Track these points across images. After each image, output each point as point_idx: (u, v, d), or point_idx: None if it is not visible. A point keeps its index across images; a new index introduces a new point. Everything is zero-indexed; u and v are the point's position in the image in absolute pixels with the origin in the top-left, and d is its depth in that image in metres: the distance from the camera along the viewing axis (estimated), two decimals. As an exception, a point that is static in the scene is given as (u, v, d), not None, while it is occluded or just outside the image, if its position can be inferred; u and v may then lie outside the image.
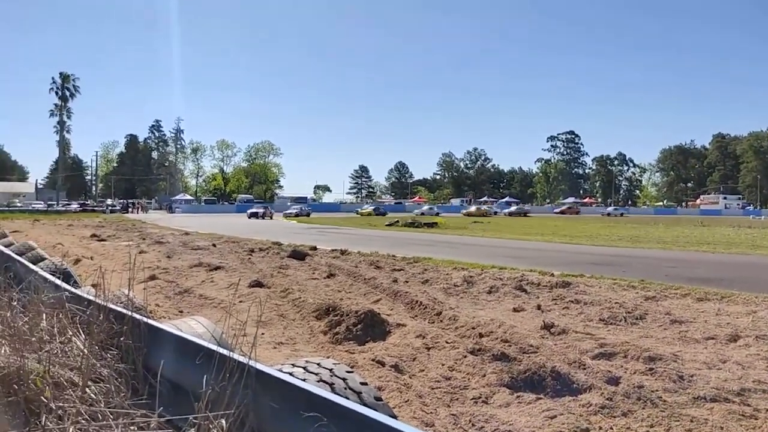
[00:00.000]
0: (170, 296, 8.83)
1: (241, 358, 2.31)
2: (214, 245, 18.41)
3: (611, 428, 3.97)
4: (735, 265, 14.71)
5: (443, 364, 5.38)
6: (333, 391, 2.39)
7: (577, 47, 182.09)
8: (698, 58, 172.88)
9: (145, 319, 3.10)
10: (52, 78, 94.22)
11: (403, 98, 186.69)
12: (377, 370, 5.08)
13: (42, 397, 2.47)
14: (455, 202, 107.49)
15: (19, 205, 78.11)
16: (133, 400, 2.58)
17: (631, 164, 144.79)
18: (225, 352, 2.39)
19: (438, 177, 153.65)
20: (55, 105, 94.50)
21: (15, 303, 3.71)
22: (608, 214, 77.75)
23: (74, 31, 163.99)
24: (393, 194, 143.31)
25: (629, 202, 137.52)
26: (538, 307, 8.13)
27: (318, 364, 2.66)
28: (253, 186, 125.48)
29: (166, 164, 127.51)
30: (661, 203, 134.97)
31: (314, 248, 17.17)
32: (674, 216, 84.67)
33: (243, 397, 2.21)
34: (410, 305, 8.20)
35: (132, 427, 2.33)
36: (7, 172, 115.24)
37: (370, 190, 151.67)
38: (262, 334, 6.24)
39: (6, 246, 8.64)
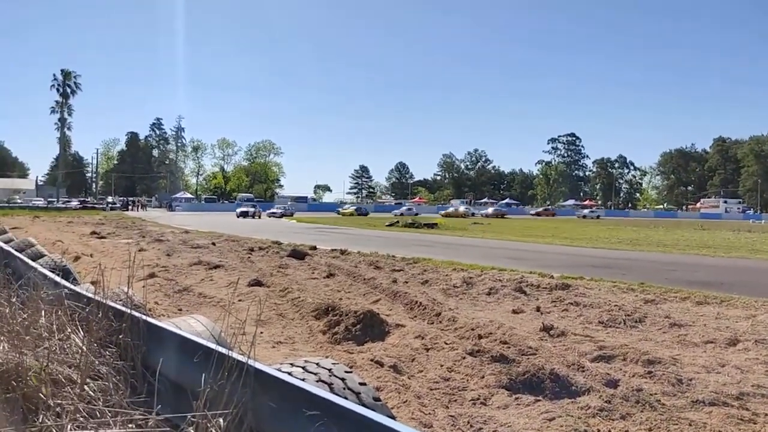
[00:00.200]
0: (169, 294, 8.83)
1: (240, 357, 2.30)
2: (213, 244, 18.40)
3: (610, 431, 3.97)
4: (735, 269, 14.70)
5: (442, 365, 5.38)
6: (332, 391, 2.38)
7: (578, 49, 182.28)
8: (700, 61, 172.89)
9: (144, 317, 3.09)
10: (54, 75, 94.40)
11: (403, 98, 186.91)
12: (376, 371, 5.07)
13: (40, 394, 2.46)
14: (455, 203, 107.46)
15: (19, 201, 78.12)
16: (131, 398, 2.57)
17: (632, 167, 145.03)
18: (224, 350, 2.39)
19: (438, 178, 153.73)
20: (56, 102, 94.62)
21: (14, 299, 3.71)
22: (584, 217, 77.28)
23: (76, 29, 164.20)
24: (393, 194, 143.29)
25: (629, 205, 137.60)
26: (538, 309, 8.13)
27: (317, 363, 2.65)
28: (253, 185, 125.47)
29: (167, 162, 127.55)
30: (661, 206, 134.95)
31: (314, 248, 17.16)
32: (674, 219, 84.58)
33: (241, 396, 2.21)
34: (409, 306, 8.20)
35: (130, 425, 2.33)
36: (7, 168, 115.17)
37: (371, 190, 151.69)
38: (261, 333, 6.24)
39: (6, 242, 8.64)
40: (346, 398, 2.23)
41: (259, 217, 54.10)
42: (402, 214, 63.62)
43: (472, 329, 6.53)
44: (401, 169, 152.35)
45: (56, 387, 2.58)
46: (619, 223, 55.20)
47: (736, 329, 6.99)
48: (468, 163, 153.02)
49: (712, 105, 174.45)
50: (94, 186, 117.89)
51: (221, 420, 2.15)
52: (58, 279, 4.31)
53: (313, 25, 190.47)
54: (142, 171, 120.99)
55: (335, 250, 16.73)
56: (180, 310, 7.69)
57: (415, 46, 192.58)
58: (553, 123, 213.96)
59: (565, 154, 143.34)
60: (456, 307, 8.22)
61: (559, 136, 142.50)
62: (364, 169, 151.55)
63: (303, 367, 2.60)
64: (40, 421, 2.30)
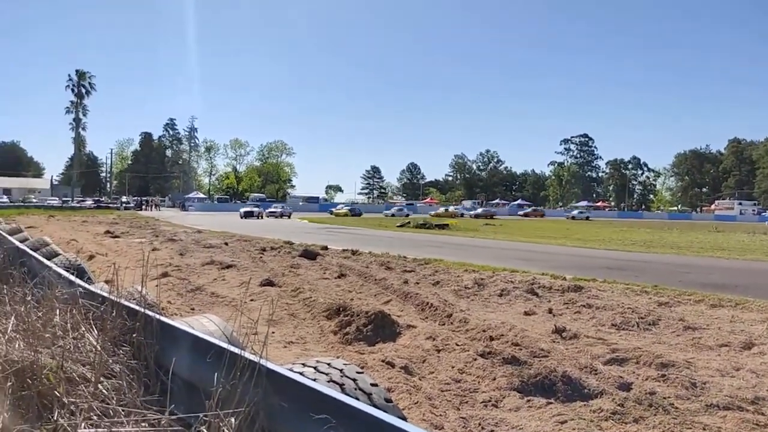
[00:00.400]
0: (182, 293, 8.88)
1: (252, 357, 2.31)
2: (226, 243, 18.49)
3: (622, 434, 3.94)
4: (750, 272, 14.54)
5: (453, 367, 5.37)
6: (343, 391, 2.39)
7: (592, 50, 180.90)
8: (716, 62, 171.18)
9: (157, 316, 3.11)
10: (69, 75, 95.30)
11: (416, 100, 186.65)
12: (387, 371, 5.07)
13: (55, 392, 2.49)
14: (467, 203, 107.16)
15: (34, 200, 78.80)
16: (144, 397, 2.59)
17: (646, 168, 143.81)
18: (236, 350, 2.40)
19: (450, 178, 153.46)
20: (71, 102, 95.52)
21: (29, 298, 3.75)
22: (573, 218, 75.97)
23: (90, 29, 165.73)
24: (405, 195, 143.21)
25: (643, 207, 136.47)
26: (550, 311, 8.09)
27: (328, 364, 2.66)
28: (265, 185, 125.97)
29: (180, 162, 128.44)
30: (675, 208, 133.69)
31: (325, 248, 17.19)
32: (688, 221, 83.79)
33: (253, 395, 2.22)
34: (421, 307, 8.19)
35: (143, 424, 2.34)
36: (23, 168, 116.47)
37: (382, 190, 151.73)
38: (273, 333, 6.26)
39: (21, 241, 8.73)
40: (357, 399, 2.23)
41: (261, 218, 53.24)
42: (393, 215, 64.27)
43: (484, 331, 6.51)
44: (413, 169, 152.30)
45: (71, 385, 2.60)
46: (633, 225, 54.80)
47: (751, 332, 6.91)
48: (480, 164, 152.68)
49: (727, 108, 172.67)
50: (108, 186, 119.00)
51: (233, 419, 2.16)
52: (72, 278, 4.35)
53: (327, 26, 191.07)
54: (156, 171, 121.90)
55: (346, 250, 16.74)
56: (192, 309, 7.74)
57: (429, 47, 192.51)
58: (566, 125, 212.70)
59: (578, 155, 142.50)
60: (467, 308, 8.20)
61: (572, 137, 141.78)
62: (375, 170, 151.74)
63: (315, 368, 2.60)
64: (55, 418, 2.32)
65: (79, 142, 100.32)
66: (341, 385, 2.47)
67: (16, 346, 2.81)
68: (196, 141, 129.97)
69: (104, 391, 2.59)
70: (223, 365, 2.34)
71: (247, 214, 53.33)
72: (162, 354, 2.98)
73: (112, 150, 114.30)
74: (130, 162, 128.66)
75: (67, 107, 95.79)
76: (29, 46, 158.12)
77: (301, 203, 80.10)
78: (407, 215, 63.15)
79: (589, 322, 7.56)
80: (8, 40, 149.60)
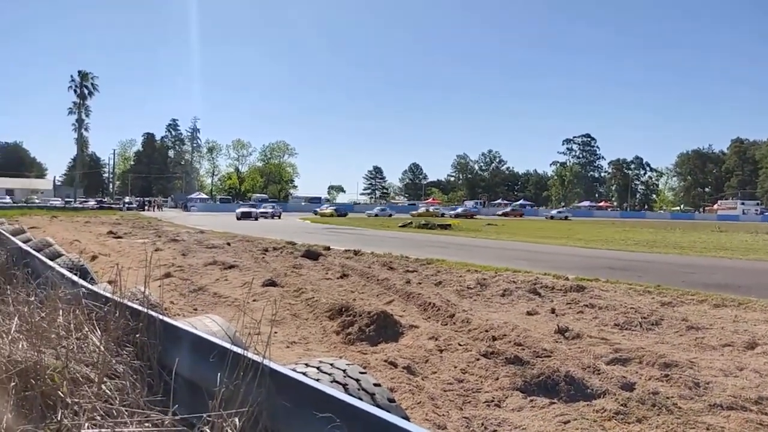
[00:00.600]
0: (185, 294, 8.89)
1: (255, 357, 2.31)
2: (228, 244, 18.51)
3: (625, 434, 3.93)
4: (753, 272, 14.51)
5: (456, 367, 5.37)
6: (346, 391, 2.39)
7: (593, 50, 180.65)
8: (718, 62, 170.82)
9: (160, 317, 3.12)
10: (71, 76, 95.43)
11: (418, 99, 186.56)
12: (389, 372, 5.07)
13: (59, 393, 2.49)
14: (469, 204, 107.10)
15: (37, 201, 79.08)
16: (148, 397, 2.59)
17: (648, 168, 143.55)
18: (239, 350, 2.40)
19: (452, 179, 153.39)
20: (74, 103, 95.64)
21: (32, 298, 3.75)
22: (551, 217, 75.50)
23: (93, 30, 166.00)
24: (407, 195, 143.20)
25: (645, 207, 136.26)
26: (552, 311, 8.09)
27: (331, 364, 2.66)
28: (267, 185, 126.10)
29: (182, 163, 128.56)
30: (678, 208, 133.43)
31: (328, 248, 17.20)
32: (691, 221, 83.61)
33: (257, 395, 2.22)
34: (423, 307, 8.19)
35: (147, 424, 2.34)
36: (25, 168, 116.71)
37: (384, 191, 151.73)
38: (276, 333, 6.26)
39: (24, 242, 8.75)
40: (360, 399, 2.23)
41: (256, 219, 50.45)
42: (376, 215, 65.02)
43: (486, 331, 6.51)
44: (415, 170, 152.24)
45: (74, 385, 2.60)
46: (635, 225, 54.73)
47: (755, 332, 6.90)
48: (482, 164, 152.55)
49: (730, 108, 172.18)
50: (110, 186, 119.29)
51: (237, 419, 2.16)
52: (75, 278, 4.35)
53: (329, 26, 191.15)
54: (158, 171, 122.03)
55: (349, 250, 16.75)
56: (195, 309, 7.75)
57: (432, 48, 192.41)
58: (569, 124, 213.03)
59: (580, 155, 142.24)
60: (470, 308, 8.19)
61: (574, 137, 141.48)
62: (377, 170, 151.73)
63: (318, 368, 2.60)
64: (59, 419, 2.33)
65: (81, 142, 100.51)
66: (344, 386, 2.47)
67: (20, 346, 2.81)
68: (199, 141, 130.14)
69: (108, 391, 2.59)
70: (226, 365, 2.34)
71: (244, 215, 50.42)
72: (165, 354, 2.98)
73: (114, 150, 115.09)
74: (132, 162, 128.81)
75: (70, 108, 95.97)
76: (31, 47, 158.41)
77: (303, 203, 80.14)
78: (389, 215, 65.22)
79: (591, 322, 7.55)
80: (11, 40, 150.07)
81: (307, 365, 2.65)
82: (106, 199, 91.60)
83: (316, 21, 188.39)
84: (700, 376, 5.11)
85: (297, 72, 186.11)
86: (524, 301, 8.92)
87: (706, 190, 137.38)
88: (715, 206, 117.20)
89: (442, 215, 66.69)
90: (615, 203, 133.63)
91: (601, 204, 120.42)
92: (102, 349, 2.90)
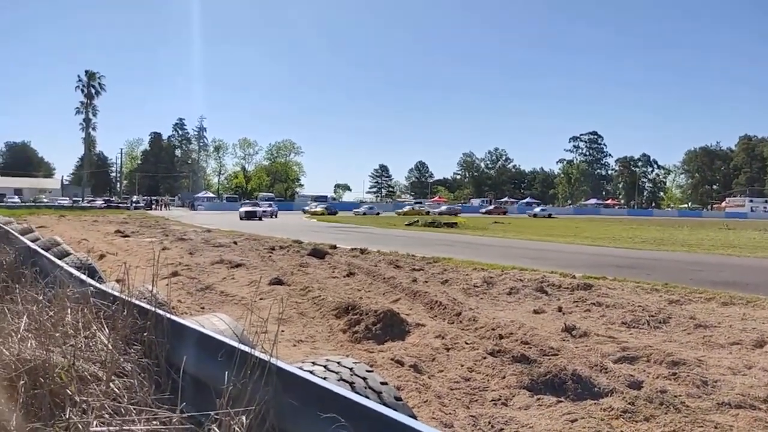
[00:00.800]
0: (192, 292, 8.93)
1: (263, 356, 2.32)
2: (235, 242, 18.56)
3: (633, 433, 3.92)
4: (761, 270, 14.42)
5: (462, 365, 5.36)
6: (353, 390, 2.39)
7: (597, 49, 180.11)
8: (723, 60, 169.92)
9: (168, 315, 3.13)
10: (78, 76, 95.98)
11: (423, 98, 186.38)
12: (396, 370, 5.08)
13: (67, 391, 2.50)
14: (475, 202, 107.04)
15: (45, 200, 79.44)
16: (156, 396, 2.60)
17: (656, 166, 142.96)
18: (246, 349, 2.40)
19: (458, 177, 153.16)
20: (81, 103, 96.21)
21: (41, 297, 3.77)
22: (534, 215, 74.65)
23: (98, 30, 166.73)
24: (413, 194, 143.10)
25: (653, 204, 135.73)
26: (559, 309, 8.06)
27: (338, 362, 2.66)
28: (274, 184, 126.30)
29: (189, 162, 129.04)
30: (685, 205, 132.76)
31: (334, 247, 17.21)
32: (699, 219, 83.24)
33: (264, 394, 2.22)
34: (429, 305, 8.18)
35: (155, 423, 2.35)
36: (33, 168, 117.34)
37: (390, 189, 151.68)
38: (282, 331, 6.28)
39: (32, 241, 8.79)
40: (367, 397, 2.23)
41: (260, 219, 46.35)
42: (364, 213, 65.42)
43: (493, 329, 6.50)
44: (421, 168, 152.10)
45: (82, 383, 2.62)
46: (643, 223, 54.51)
47: (763, 330, 6.86)
48: (488, 162, 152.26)
49: (738, 105, 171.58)
50: (118, 185, 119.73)
51: (244, 418, 2.16)
52: (83, 277, 4.37)
53: (335, 25, 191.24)
54: (165, 170, 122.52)
55: (355, 249, 16.76)
56: (203, 308, 7.77)
57: (437, 45, 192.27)
58: (575, 122, 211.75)
59: (587, 153, 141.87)
60: (476, 306, 8.18)
61: (581, 135, 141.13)
62: (383, 169, 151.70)
63: (324, 366, 2.60)
64: (67, 417, 2.34)
65: (89, 142, 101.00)
66: (351, 384, 2.47)
67: (29, 345, 2.83)
68: (205, 140, 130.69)
69: (116, 389, 2.60)
70: (233, 364, 2.35)
71: (249, 215, 45.93)
72: (173, 352, 2.99)
73: (122, 150, 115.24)
74: (139, 162, 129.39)
75: (77, 108, 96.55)
76: (36, 47, 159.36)
77: (309, 202, 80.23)
78: (377, 213, 66.41)
79: (599, 321, 7.53)
80: (17, 40, 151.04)
81: (314, 364, 2.65)
82: (113, 199, 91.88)
83: (320, 21, 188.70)
84: (708, 375, 5.09)
85: (301, 72, 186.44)
86: (531, 299, 8.90)
87: (714, 187, 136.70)
88: (723, 203, 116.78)
89: (427, 213, 67.19)
90: (622, 201, 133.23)
91: (609, 202, 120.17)
92: (110, 347, 2.91)
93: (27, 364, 2.61)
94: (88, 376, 2.69)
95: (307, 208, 69.99)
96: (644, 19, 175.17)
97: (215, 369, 2.50)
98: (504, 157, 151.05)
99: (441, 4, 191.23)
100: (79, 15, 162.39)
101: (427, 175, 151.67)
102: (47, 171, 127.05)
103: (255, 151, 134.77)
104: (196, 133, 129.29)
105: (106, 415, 2.37)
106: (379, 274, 11.21)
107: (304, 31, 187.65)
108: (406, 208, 75.76)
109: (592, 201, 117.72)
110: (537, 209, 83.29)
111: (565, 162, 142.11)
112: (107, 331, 3.18)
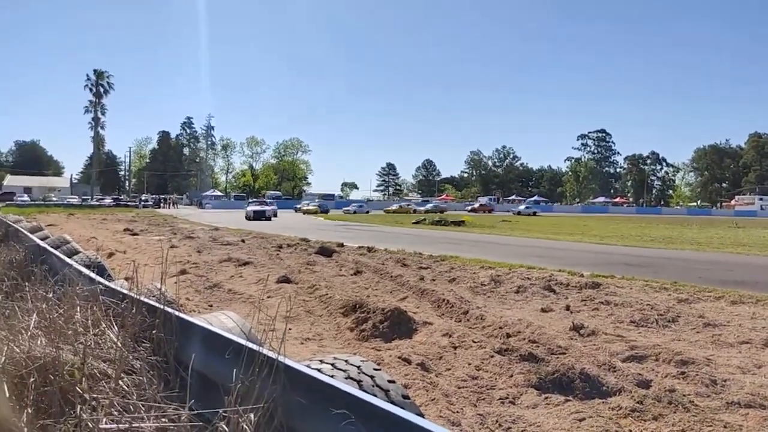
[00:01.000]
0: (200, 290, 8.96)
1: (270, 353, 2.32)
2: (243, 241, 18.61)
3: (641, 432, 3.90)
4: (771, 268, 14.32)
5: (470, 364, 5.36)
6: (361, 388, 2.39)
7: (609, 45, 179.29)
8: (735, 56, 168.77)
9: (176, 313, 3.14)
10: (87, 75, 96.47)
11: (431, 96, 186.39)
12: (403, 368, 5.08)
13: (77, 388, 2.52)
14: (483, 200, 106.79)
15: (54, 199, 79.98)
16: (164, 393, 2.61)
17: (665, 163, 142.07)
18: (254, 346, 2.41)
19: (466, 175, 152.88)
20: (90, 102, 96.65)
21: (51, 295, 3.80)
22: (518, 213, 74.01)
23: (107, 28, 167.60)
24: (420, 192, 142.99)
25: (662, 202, 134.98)
26: (567, 308, 8.04)
27: (346, 360, 2.66)
28: (281, 182, 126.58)
29: (197, 161, 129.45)
30: (694, 203, 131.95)
31: (341, 245, 17.23)
32: (708, 217, 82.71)
33: (272, 392, 2.23)
34: (437, 303, 8.18)
35: (163, 420, 2.37)
36: (43, 167, 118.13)
37: (397, 187, 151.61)
38: (290, 329, 6.29)
39: (42, 239, 8.85)
40: (375, 395, 2.23)
41: (270, 219, 42.75)
42: (354, 212, 65.53)
43: (501, 327, 6.49)
44: (428, 166, 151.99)
45: (92, 381, 2.63)
46: (651, 221, 54.23)
47: (773, 330, 6.81)
48: (496, 160, 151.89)
49: (747, 103, 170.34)
50: (127, 184, 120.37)
51: (252, 415, 2.17)
52: (93, 275, 4.39)
53: (342, 23, 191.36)
54: (173, 169, 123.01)
55: (362, 247, 16.77)
56: (211, 306, 7.80)
57: (444, 44, 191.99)
58: (584, 121, 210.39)
59: (595, 151, 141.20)
60: (484, 305, 8.17)
61: (589, 133, 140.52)
62: (390, 167, 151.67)
63: (332, 364, 2.61)
64: (77, 414, 2.36)
65: (98, 141, 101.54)
66: (359, 382, 2.48)
67: (39, 342, 2.85)
68: (213, 139, 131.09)
69: (125, 387, 2.62)
70: (241, 361, 2.35)
71: (257, 215, 41.82)
72: (181, 350, 3.00)
73: (130, 149, 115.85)
74: (148, 161, 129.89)
75: (86, 106, 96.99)
76: (46, 46, 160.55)
77: (316, 200, 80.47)
78: (367, 212, 66.96)
79: (607, 319, 7.50)
80: (25, 40, 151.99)
81: (321, 361, 2.66)
82: (122, 197, 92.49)
83: (328, 20, 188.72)
84: (717, 374, 5.06)
85: (309, 70, 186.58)
86: (539, 297, 8.88)
87: (724, 185, 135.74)
88: (733, 201, 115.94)
89: (414, 211, 67.64)
90: (631, 199, 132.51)
91: (617, 200, 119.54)
92: (119, 345, 2.93)
93: (37, 362, 2.63)
94: (98, 374, 2.71)
95: (298, 206, 70.55)
96: (653, 17, 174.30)
97: (223, 366, 2.51)
98: (512, 155, 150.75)
99: (451, 2, 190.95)
100: (87, 14, 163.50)
101: (434, 173, 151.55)
102: (56, 170, 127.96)
103: (262, 149, 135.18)
104: (204, 131, 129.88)
105: (116, 412, 2.39)
106: (387, 272, 11.21)
107: (312, 30, 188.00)
108: (394, 207, 77.80)
109: (601, 199, 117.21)
110: (522, 206, 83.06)
111: (573, 160, 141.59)
112: (116, 328, 3.20)
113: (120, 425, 2.31)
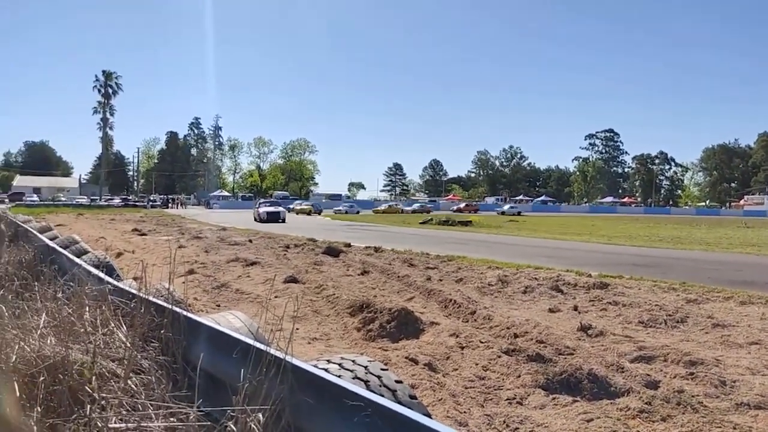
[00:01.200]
0: (208, 290, 8.99)
1: (278, 353, 2.33)
2: (250, 241, 18.66)
3: (650, 433, 3.89)
4: (781, 269, 14.21)
5: (477, 364, 5.35)
6: (368, 388, 2.39)
7: (617, 45, 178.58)
8: (744, 56, 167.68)
9: (184, 313, 3.15)
10: (95, 76, 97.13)
11: (438, 96, 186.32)
12: (411, 368, 5.07)
13: (87, 387, 2.54)
14: (490, 200, 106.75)
15: (63, 199, 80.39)
16: (172, 392, 2.63)
17: (673, 163, 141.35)
18: (262, 346, 2.42)
19: (473, 175, 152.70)
20: (99, 102, 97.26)
21: (60, 295, 3.82)
22: (503, 213, 73.23)
23: (117, 30, 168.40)
24: (427, 192, 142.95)
25: (670, 202, 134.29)
26: (575, 308, 8.01)
27: (353, 360, 2.66)
28: (288, 183, 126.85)
29: (205, 161, 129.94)
30: (703, 203, 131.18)
31: (348, 245, 17.25)
32: (717, 217, 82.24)
33: (279, 391, 2.23)
34: (444, 304, 8.17)
35: (172, 419, 2.38)
36: (52, 167, 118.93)
37: (404, 187, 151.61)
38: (297, 329, 6.30)
39: (51, 239, 8.91)
40: (382, 395, 2.23)
41: (285, 221, 39.80)
42: (346, 212, 66.13)
43: (508, 328, 6.47)
44: (435, 166, 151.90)
45: (101, 380, 2.65)
46: (660, 221, 53.95)
47: (783, 330, 6.76)
48: (503, 160, 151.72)
49: (756, 102, 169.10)
50: (135, 184, 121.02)
51: (260, 415, 2.18)
52: (101, 275, 4.42)
53: (349, 23, 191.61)
54: (181, 169, 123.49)
55: (369, 247, 16.78)
56: (218, 305, 7.82)
57: (452, 44, 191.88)
58: (592, 120, 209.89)
59: (603, 150, 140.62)
60: (491, 305, 8.16)
61: (597, 132, 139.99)
62: (397, 167, 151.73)
63: (339, 364, 2.61)
64: (86, 413, 2.37)
65: (106, 141, 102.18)
66: (366, 382, 2.48)
67: (48, 342, 2.87)
68: (221, 139, 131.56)
69: (134, 386, 2.63)
70: (249, 361, 2.36)
71: (271, 217, 38.78)
72: (189, 350, 3.02)
73: (139, 149, 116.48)
74: (156, 161, 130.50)
75: (95, 107, 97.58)
76: (54, 46, 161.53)
77: (323, 200, 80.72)
78: (357, 212, 67.50)
79: (615, 320, 7.47)
80: (35, 41, 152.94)
81: (328, 361, 2.66)
82: (130, 197, 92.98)
83: (334, 20, 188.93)
84: (726, 375, 5.03)
85: (316, 70, 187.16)
86: (546, 298, 8.85)
87: (733, 185, 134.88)
88: (742, 201, 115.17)
89: (402, 211, 67.69)
90: (639, 199, 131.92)
91: (625, 200, 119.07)
92: (128, 344, 2.94)
93: (47, 361, 2.64)
94: (107, 373, 2.73)
95: (291, 206, 70.73)
96: (662, 17, 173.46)
97: (231, 366, 2.52)
98: (519, 155, 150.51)
99: (457, 2, 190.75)
100: (93, 14, 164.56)
101: (441, 173, 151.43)
102: (65, 170, 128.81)
103: (270, 149, 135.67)
104: (211, 132, 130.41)
105: (125, 412, 2.40)
106: (393, 272, 11.21)
107: (319, 31, 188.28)
108: (383, 206, 78.61)
109: (609, 199, 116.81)
110: (506, 207, 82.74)
111: (580, 160, 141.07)
112: (125, 328, 3.21)
113: (129, 424, 2.32)
